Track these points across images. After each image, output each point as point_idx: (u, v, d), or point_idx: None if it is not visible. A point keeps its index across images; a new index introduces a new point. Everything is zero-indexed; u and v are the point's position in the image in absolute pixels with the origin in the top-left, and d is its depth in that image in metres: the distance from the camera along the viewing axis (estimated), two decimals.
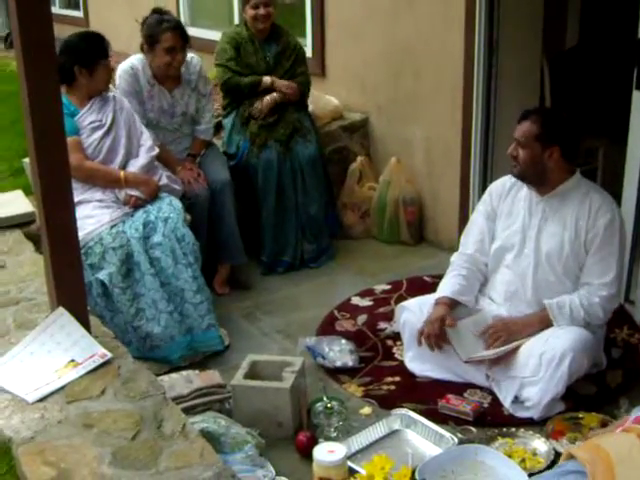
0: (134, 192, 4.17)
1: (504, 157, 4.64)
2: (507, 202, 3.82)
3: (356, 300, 4.67)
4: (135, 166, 4.25)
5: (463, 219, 4.97)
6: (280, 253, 5.14)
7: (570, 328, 3.49)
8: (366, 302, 4.64)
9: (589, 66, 5.79)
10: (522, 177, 3.69)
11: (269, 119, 5.11)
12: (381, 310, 4.52)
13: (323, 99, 5.78)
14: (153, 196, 4.23)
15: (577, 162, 3.74)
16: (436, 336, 3.67)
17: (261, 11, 5.08)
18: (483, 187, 4.92)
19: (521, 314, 3.68)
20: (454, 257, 3.96)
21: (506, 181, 3.86)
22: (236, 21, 6.68)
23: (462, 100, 4.97)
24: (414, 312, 3.84)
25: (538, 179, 3.65)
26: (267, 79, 5.14)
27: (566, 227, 3.61)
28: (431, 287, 4.25)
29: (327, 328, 4.35)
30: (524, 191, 3.76)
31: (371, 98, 5.77)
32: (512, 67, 4.95)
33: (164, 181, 4.38)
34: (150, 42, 4.63)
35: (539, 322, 3.58)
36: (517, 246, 3.73)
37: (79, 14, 10.03)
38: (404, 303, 3.98)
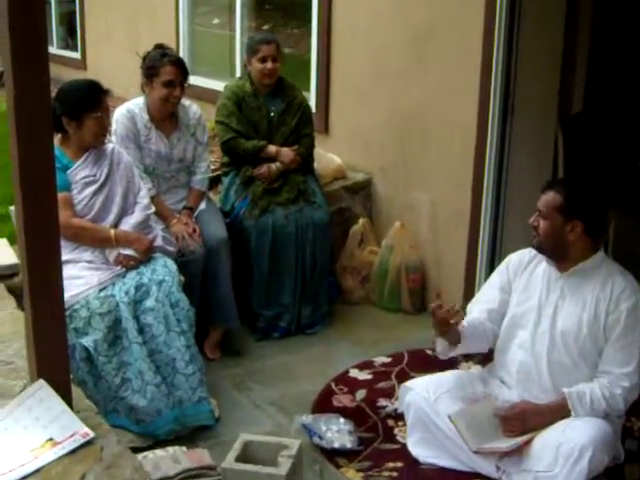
0: (127, 251, 3.92)
1: (515, 225, 4.50)
2: (524, 276, 3.61)
3: (354, 372, 4.43)
4: (128, 224, 4.02)
5: (469, 289, 4.77)
6: (276, 318, 4.89)
7: (588, 419, 3.25)
8: (365, 375, 4.40)
9: (595, 133, 5.62)
10: (541, 249, 3.49)
11: (274, 184, 4.93)
12: (381, 385, 4.28)
13: (325, 157, 5.58)
14: (147, 255, 3.99)
15: (602, 240, 3.54)
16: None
17: (269, 65, 4.90)
18: (492, 257, 4.73)
19: (534, 399, 3.44)
20: None
21: (525, 254, 3.65)
22: (238, 72, 6.52)
23: (473, 165, 4.77)
24: (419, 393, 3.59)
25: (557, 253, 3.45)
26: (272, 149, 4.97)
27: (585, 308, 3.40)
28: (434, 361, 4.07)
29: (324, 403, 4.10)
30: (543, 266, 3.55)
31: (376, 159, 5.58)
32: (526, 132, 4.76)
33: (159, 242, 4.14)
34: (149, 74, 4.50)
35: (557, 412, 3.32)
36: (531, 324, 3.51)
37: (77, 55, 9.97)
38: (408, 383, 3.72)
